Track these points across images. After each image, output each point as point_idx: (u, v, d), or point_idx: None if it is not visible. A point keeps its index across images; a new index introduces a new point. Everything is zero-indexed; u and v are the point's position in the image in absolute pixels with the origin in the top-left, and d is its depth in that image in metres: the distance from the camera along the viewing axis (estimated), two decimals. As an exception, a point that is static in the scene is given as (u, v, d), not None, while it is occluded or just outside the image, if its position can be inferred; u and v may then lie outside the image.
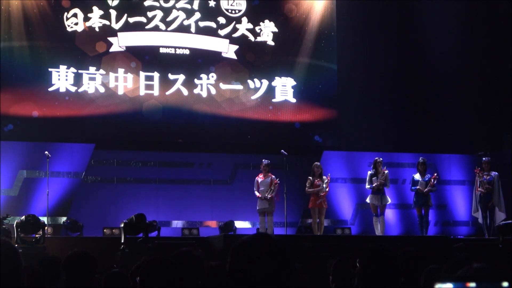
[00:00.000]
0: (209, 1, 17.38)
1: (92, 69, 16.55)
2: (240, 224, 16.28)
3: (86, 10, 16.62)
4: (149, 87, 16.87)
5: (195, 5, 17.30)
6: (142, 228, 12.78)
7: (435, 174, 15.94)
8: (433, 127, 18.56)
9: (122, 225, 12.78)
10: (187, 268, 3.99)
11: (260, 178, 15.05)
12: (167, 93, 16.95)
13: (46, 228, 13.12)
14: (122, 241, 12.63)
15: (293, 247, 2.48)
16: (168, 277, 3.69)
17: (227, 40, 17.38)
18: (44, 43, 16.32)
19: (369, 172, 15.60)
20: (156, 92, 16.90)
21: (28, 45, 16.18)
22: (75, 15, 16.56)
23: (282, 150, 15.43)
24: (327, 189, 15.23)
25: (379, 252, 3.80)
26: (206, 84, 17.19)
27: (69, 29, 16.50)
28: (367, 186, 15.56)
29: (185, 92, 17.05)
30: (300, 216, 16.82)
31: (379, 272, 3.72)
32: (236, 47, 17.40)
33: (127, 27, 16.83)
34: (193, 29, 17.23)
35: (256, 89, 17.49)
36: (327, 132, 17.84)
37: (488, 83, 18.71)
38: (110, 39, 16.68)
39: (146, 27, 16.97)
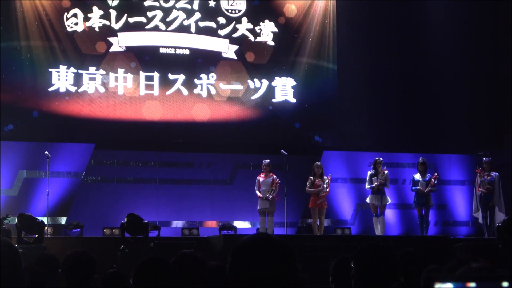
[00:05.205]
0: (209, 1, 17.37)
1: (92, 69, 16.54)
2: (240, 224, 16.28)
3: (86, 10, 16.62)
4: (149, 87, 16.86)
5: (195, 5, 17.30)
6: (140, 229, 12.76)
7: (436, 174, 15.93)
8: (433, 127, 18.54)
9: (120, 226, 12.79)
10: (189, 270, 3.99)
11: (261, 178, 15.03)
12: (167, 93, 16.94)
13: (46, 228, 13.11)
14: (122, 241, 12.63)
15: (293, 247, 2.47)
16: (160, 277, 3.68)
17: (227, 40, 17.37)
18: (44, 43, 16.31)
19: (369, 172, 15.60)
20: (156, 92, 16.89)
21: (28, 45, 16.17)
22: (75, 15, 16.55)
23: (282, 150, 15.41)
24: (327, 189, 15.21)
25: (373, 250, 3.78)
26: (206, 84, 17.18)
27: (69, 29, 16.49)
28: (367, 186, 15.56)
29: (185, 92, 17.05)
30: (300, 216, 16.81)
31: (375, 270, 3.70)
32: (236, 47, 17.39)
33: (127, 27, 16.82)
34: (193, 29, 17.23)
35: (256, 89, 17.48)
36: (327, 132, 17.84)
37: (488, 83, 18.70)
38: (110, 39, 16.67)
39: (146, 27, 16.96)
